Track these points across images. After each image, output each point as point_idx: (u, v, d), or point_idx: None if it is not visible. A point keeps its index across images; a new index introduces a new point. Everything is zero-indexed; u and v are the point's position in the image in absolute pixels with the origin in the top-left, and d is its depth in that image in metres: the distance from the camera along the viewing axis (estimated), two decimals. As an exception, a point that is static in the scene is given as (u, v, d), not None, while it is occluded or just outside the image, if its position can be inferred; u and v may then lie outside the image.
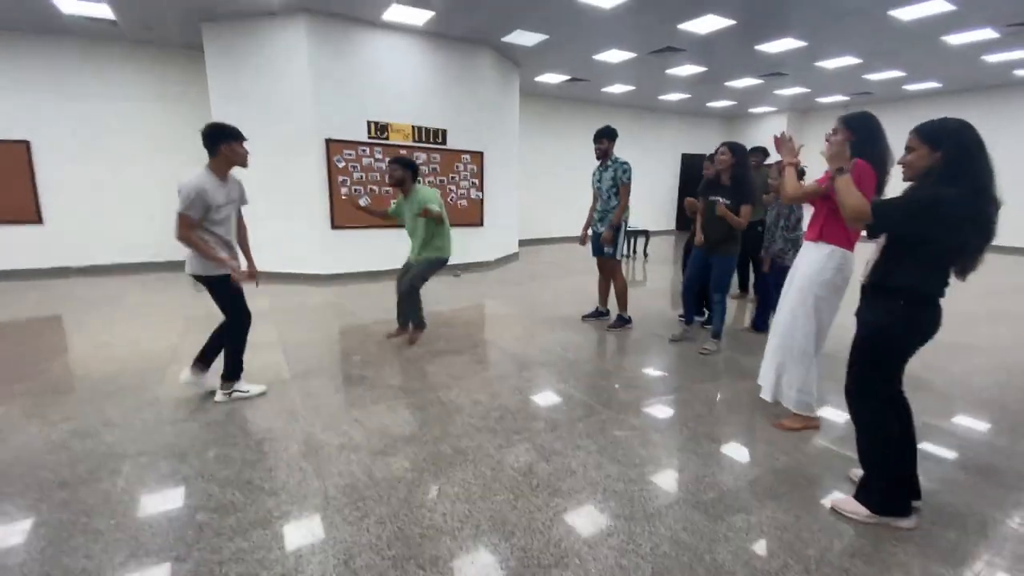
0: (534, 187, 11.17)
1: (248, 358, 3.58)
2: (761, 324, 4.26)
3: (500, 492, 2.05)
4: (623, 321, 4.42)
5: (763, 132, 13.43)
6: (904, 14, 5.98)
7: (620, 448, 2.41)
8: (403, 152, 6.94)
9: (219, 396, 2.94)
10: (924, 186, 1.68)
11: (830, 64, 8.32)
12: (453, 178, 7.47)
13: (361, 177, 6.71)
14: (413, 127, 6.99)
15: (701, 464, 2.29)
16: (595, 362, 3.71)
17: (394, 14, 6.10)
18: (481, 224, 7.84)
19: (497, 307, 5.32)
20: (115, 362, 3.53)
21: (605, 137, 4.21)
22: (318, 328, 4.51)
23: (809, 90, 10.43)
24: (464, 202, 7.63)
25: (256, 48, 6.30)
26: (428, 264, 3.95)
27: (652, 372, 3.49)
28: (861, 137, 2.30)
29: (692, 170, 13.82)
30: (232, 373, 2.97)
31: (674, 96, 11.26)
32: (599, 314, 4.71)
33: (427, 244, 3.94)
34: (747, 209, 3.54)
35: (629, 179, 4.15)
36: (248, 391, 3.00)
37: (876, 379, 1.83)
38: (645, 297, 5.63)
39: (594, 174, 4.37)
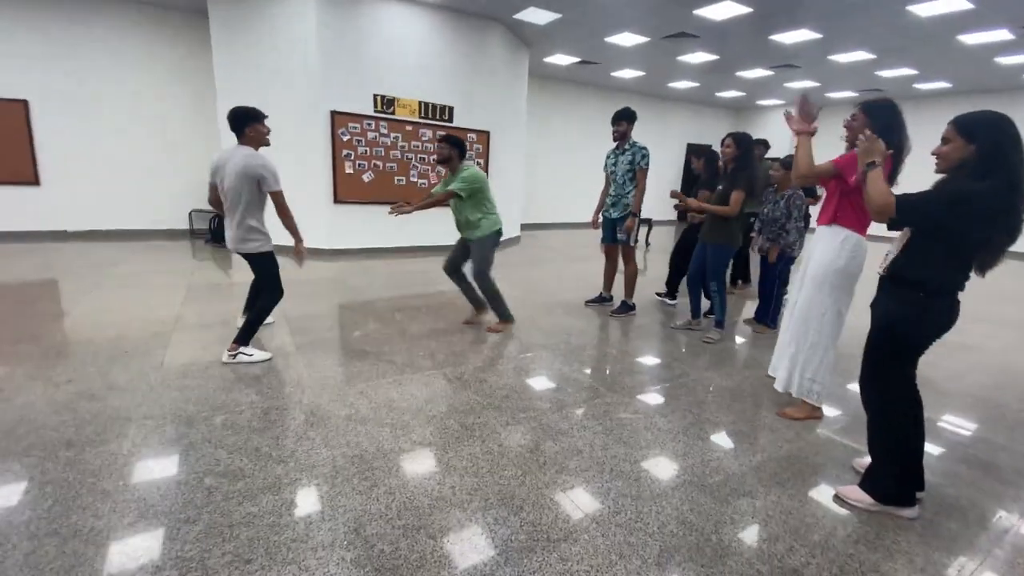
0: (537, 171, 11.08)
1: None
2: (763, 315, 4.27)
3: (508, 468, 2.06)
4: (627, 308, 4.42)
5: (770, 125, 13.34)
6: (922, 10, 5.90)
7: (625, 430, 2.43)
8: (408, 128, 6.85)
9: (225, 357, 3.00)
10: (956, 178, 1.67)
11: (843, 58, 8.23)
12: (458, 157, 7.37)
13: (366, 152, 6.62)
14: (420, 103, 6.88)
15: (706, 448, 2.31)
16: (599, 347, 3.72)
17: (405, -15, 5.96)
18: (485, 205, 7.77)
19: (503, 289, 5.29)
20: (118, 327, 3.50)
21: (624, 119, 4.13)
22: (321, 302, 4.48)
23: (819, 84, 10.33)
24: (469, 182, 7.54)
25: (263, 16, 6.15)
26: (478, 249, 3.70)
27: (656, 359, 3.50)
28: (880, 124, 2.26)
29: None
30: (244, 337, 3.03)
31: (683, 84, 11.14)
32: (603, 300, 4.70)
33: (464, 225, 3.74)
34: (737, 195, 3.52)
35: (647, 164, 4.10)
36: (252, 355, 3.04)
37: (891, 370, 1.84)
38: (648, 286, 5.62)
39: (608, 157, 4.31)
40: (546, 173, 11.34)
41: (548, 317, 4.33)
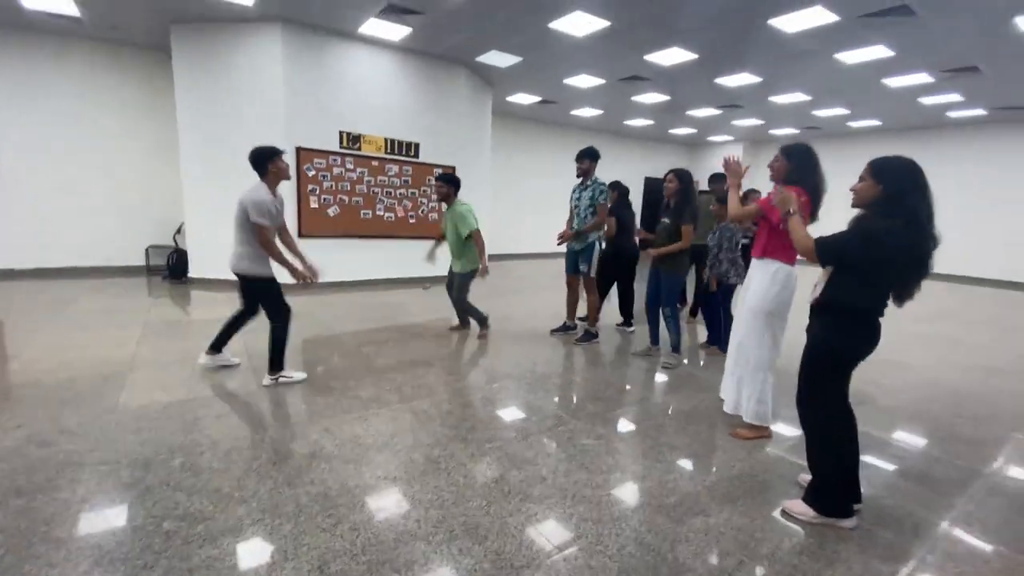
0: (502, 203, 11.35)
1: (213, 368, 3.53)
2: (714, 339, 4.47)
3: (473, 499, 2.10)
4: (590, 336, 4.56)
5: (721, 159, 14.12)
6: (848, 58, 6.52)
7: (588, 456, 2.51)
8: (374, 163, 6.97)
9: (266, 380, 3.26)
10: (866, 216, 1.89)
11: (782, 99, 8.92)
12: (424, 191, 7.53)
13: (331, 186, 6.68)
14: (386, 139, 7.04)
15: (663, 470, 2.41)
16: (563, 375, 3.82)
17: (371, 28, 6.19)
18: (451, 238, 7.90)
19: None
20: (70, 368, 3.38)
21: (587, 157, 4.38)
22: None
23: (763, 122, 11.11)
24: (436, 215, 7.68)
25: (227, 53, 6.23)
26: (462, 278, 4.50)
27: (618, 385, 3.63)
28: (798, 165, 2.56)
29: (654, 193, 14.37)
30: (279, 363, 3.27)
31: (639, 122, 11.75)
32: (566, 328, 4.84)
33: (459, 256, 4.48)
34: (687, 228, 3.78)
35: (606, 199, 4.34)
36: (292, 376, 3.32)
37: (824, 389, 2.01)
38: (608, 313, 5.81)
39: (573, 192, 4.53)
40: (510, 205, 11.62)
41: (515, 346, 4.42)
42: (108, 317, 4.83)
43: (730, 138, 13.66)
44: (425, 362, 3.92)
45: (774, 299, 2.62)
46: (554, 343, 4.60)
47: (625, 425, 2.92)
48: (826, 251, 1.91)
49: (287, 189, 6.35)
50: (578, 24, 5.74)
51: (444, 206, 4.60)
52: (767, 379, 2.72)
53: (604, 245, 4.66)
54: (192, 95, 6.40)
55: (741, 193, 2.90)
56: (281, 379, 3.28)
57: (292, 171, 6.32)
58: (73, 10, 5.82)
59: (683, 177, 3.82)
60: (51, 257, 6.98)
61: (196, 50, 6.30)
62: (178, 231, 7.27)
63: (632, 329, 5.15)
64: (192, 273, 6.77)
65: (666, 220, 3.85)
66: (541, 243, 11.81)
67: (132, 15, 5.99)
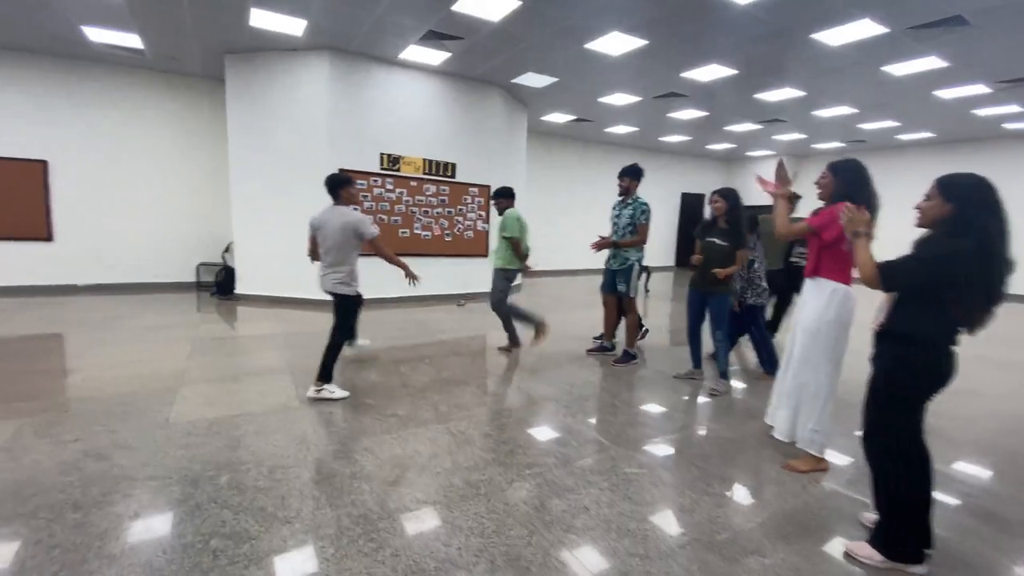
0: (536, 221, 11.34)
1: (256, 383, 3.62)
2: (763, 363, 4.29)
3: (514, 527, 2.05)
4: (629, 357, 4.46)
5: (760, 174, 13.78)
6: (897, 70, 6.28)
7: (631, 486, 2.42)
8: (413, 183, 7.12)
9: (311, 392, 3.41)
10: (932, 237, 1.77)
11: (826, 113, 8.65)
12: (461, 210, 7.63)
13: (371, 206, 6.85)
14: (424, 160, 7.19)
15: (712, 504, 2.30)
16: (602, 397, 3.73)
17: (412, 54, 6.37)
18: (486, 255, 7.95)
19: (502, 338, 5.34)
20: (124, 383, 3.54)
21: (629, 175, 4.34)
22: (325, 355, 4.52)
23: (806, 136, 10.79)
24: (471, 233, 7.77)
25: (277, 81, 6.54)
26: (497, 279, 4.67)
27: (660, 409, 3.51)
28: (847, 181, 2.44)
29: (691, 209, 14.14)
30: (327, 374, 3.43)
31: (675, 138, 11.62)
32: (604, 349, 4.75)
33: (497, 254, 4.68)
34: (743, 253, 3.66)
35: (647, 220, 4.28)
36: (334, 393, 3.43)
37: (892, 425, 1.87)
38: (651, 333, 5.67)
39: (613, 209, 4.49)
40: (544, 223, 11.61)
41: (551, 367, 4.36)
42: (160, 333, 5.05)
43: (770, 152, 13.34)
44: (461, 381, 3.91)
45: (832, 321, 2.48)
46: (591, 364, 4.51)
47: (669, 453, 2.81)
48: (891, 277, 1.79)
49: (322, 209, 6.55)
50: (614, 44, 5.75)
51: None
52: (826, 406, 2.56)
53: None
54: (242, 120, 6.73)
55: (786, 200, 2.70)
56: (324, 393, 3.40)
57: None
58: (137, 43, 6.25)
59: (730, 196, 3.71)
60: (109, 274, 7.40)
61: (247, 78, 6.64)
62: (227, 249, 7.59)
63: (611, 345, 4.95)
64: (239, 290, 7.03)
65: (716, 240, 3.73)
66: (575, 260, 11.76)
67: (190, 47, 6.37)
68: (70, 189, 7.06)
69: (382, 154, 6.86)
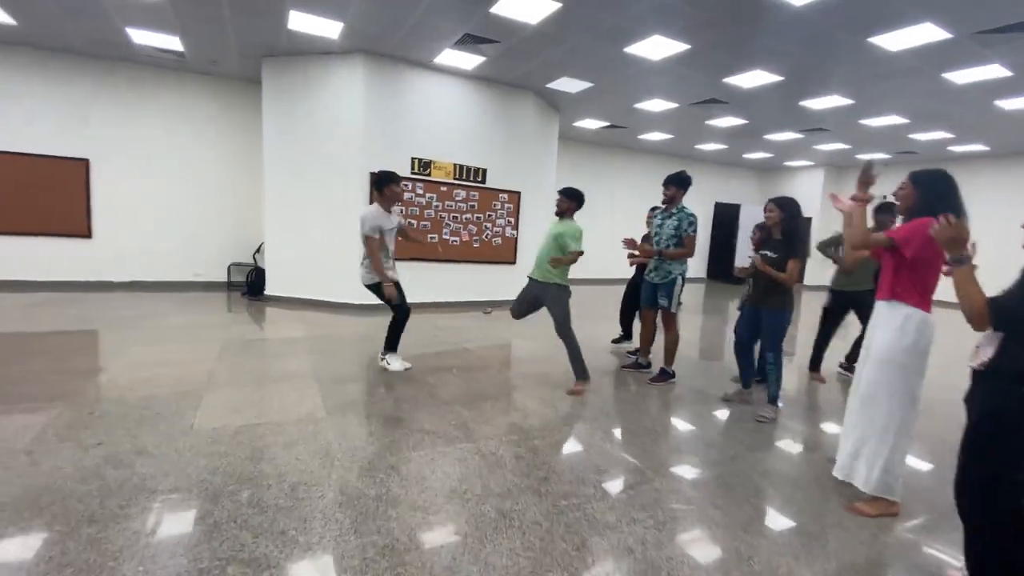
0: (566, 228, 11.16)
1: (283, 389, 3.53)
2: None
3: (553, 569, 1.86)
4: (667, 375, 4.22)
5: (797, 185, 13.31)
6: (958, 77, 5.90)
7: (679, 524, 2.21)
8: (443, 188, 7.03)
9: (379, 358, 4.15)
10: None
11: (875, 122, 8.25)
12: (490, 215, 7.50)
13: (401, 211, 6.78)
14: (455, 165, 7.10)
15: (772, 550, 2.07)
16: (640, 420, 3.51)
17: (446, 58, 6.30)
18: (514, 262, 7.80)
19: (531, 349, 5.18)
20: (151, 385, 3.49)
21: (674, 184, 4.08)
22: (351, 362, 4.43)
23: (849, 146, 10.35)
24: (499, 240, 7.63)
25: (312, 84, 6.55)
26: (559, 298, 3.83)
27: (704, 435, 3.28)
28: (933, 193, 2.18)
29: (725, 218, 13.72)
30: (389, 346, 4.10)
31: (711, 146, 11.30)
32: (639, 366, 4.52)
33: (553, 265, 3.80)
34: (794, 264, 3.37)
35: (695, 231, 4.04)
36: (390, 364, 4.07)
37: (993, 476, 1.62)
38: (682, 347, 5.43)
39: (654, 218, 4.26)
40: (574, 230, 11.40)
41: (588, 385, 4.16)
42: (190, 332, 5.04)
43: (809, 163, 12.86)
44: (490, 395, 3.74)
45: (907, 350, 2.23)
46: (626, 381, 4.29)
47: (719, 487, 2.58)
48: (1008, 317, 1.54)
49: (352, 212, 6.50)
50: (655, 49, 5.55)
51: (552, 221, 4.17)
52: (898, 444, 2.30)
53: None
54: (277, 123, 6.76)
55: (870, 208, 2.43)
56: (383, 363, 4.11)
57: (365, 195, 6.52)
58: (178, 45, 6.34)
59: (788, 207, 3.44)
60: (144, 271, 7.52)
61: (283, 81, 6.67)
62: (258, 250, 7.63)
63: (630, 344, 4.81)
64: (268, 291, 7.04)
65: (769, 253, 3.48)
66: (607, 268, 11.49)
67: (229, 50, 6.43)
68: (109, 187, 7.21)
69: (413, 158, 6.80)
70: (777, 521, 2.29)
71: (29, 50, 6.61)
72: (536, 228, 8.26)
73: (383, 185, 3.90)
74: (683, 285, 4.16)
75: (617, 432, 3.21)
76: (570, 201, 3.95)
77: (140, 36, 6.08)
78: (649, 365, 4.50)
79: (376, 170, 6.39)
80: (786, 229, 3.45)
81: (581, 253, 3.76)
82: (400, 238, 4.22)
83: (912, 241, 2.16)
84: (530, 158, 7.85)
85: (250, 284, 7.28)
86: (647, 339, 4.48)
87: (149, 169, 7.38)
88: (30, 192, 6.85)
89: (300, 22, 5.45)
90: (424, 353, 4.78)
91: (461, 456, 2.73)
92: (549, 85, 7.19)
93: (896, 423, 2.30)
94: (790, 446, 3.17)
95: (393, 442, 2.86)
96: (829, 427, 3.52)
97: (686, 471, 2.73)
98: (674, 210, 4.11)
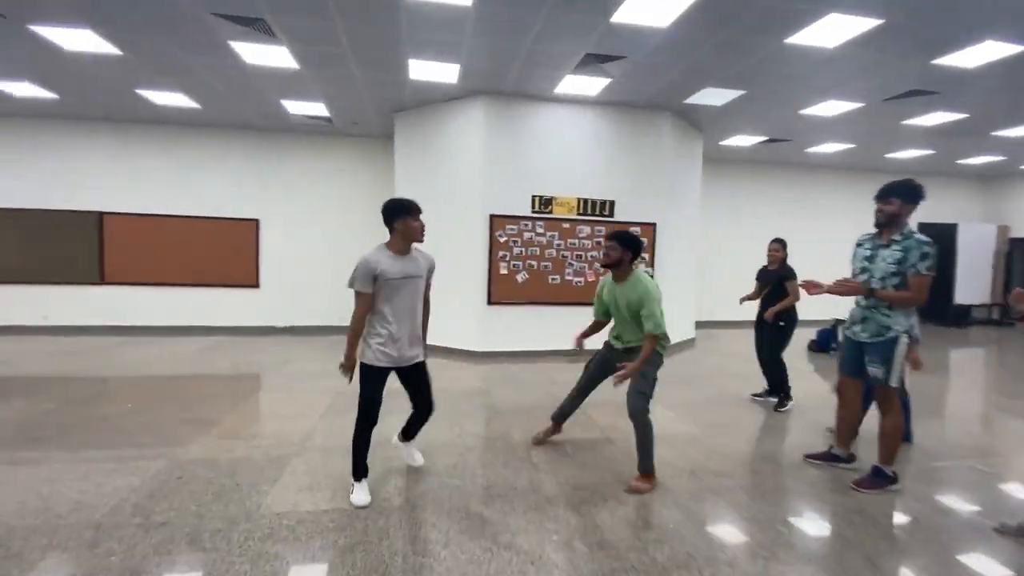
0: (712, 265, 9.67)
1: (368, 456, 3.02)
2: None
3: None
4: (884, 479, 2.82)
5: None
6: None
7: None
8: (565, 226, 6.41)
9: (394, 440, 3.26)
10: None
11: None
12: (621, 253, 6.63)
13: (521, 252, 6.31)
14: (578, 199, 6.46)
15: None
16: (846, 553, 2.28)
17: (568, 86, 5.80)
18: (650, 306, 6.75)
19: (668, 423, 4.06)
20: (248, 444, 3.35)
21: (899, 195, 2.84)
22: (453, 425, 3.88)
23: None
24: (632, 280, 6.68)
25: (437, 131, 6.59)
26: (645, 370, 2.87)
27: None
28: None
29: (937, 243, 10.72)
30: (353, 470, 2.76)
31: (909, 153, 8.96)
32: (835, 459, 3.15)
33: (633, 332, 3.01)
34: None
35: (931, 268, 2.73)
36: (351, 495, 2.66)
37: None
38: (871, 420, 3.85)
39: (861, 248, 2.99)
40: (724, 264, 9.83)
41: (748, 483, 2.98)
42: (314, 382, 5.04)
43: (1067, 164, 9.51)
44: (608, 494, 2.79)
45: None
46: (814, 480, 3.00)
47: None
48: None
49: (478, 257, 6.21)
50: (832, 32, 4.31)
51: (608, 276, 3.11)
52: None
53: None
54: (408, 172, 6.95)
55: None
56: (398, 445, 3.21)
57: (486, 238, 6.19)
58: (324, 111, 6.90)
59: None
60: (301, 317, 8.23)
61: (412, 132, 6.85)
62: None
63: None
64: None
65: None
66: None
67: (366, 110, 6.82)
68: (273, 243, 8.10)
69: (534, 196, 6.33)
70: None
71: (211, 130, 7.84)
72: (677, 264, 7.15)
73: (394, 218, 2.72)
74: (909, 347, 2.77)
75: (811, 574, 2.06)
76: (624, 250, 2.93)
77: (293, 106, 6.73)
78: (850, 460, 3.12)
79: (492, 212, 6.14)
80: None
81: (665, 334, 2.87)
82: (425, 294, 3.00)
83: None
84: (667, 186, 6.85)
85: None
86: (850, 422, 3.13)
87: (304, 224, 8.18)
88: (212, 249, 7.96)
89: (419, 70, 5.44)
90: (535, 420, 3.99)
91: (559, 601, 1.90)
92: (688, 100, 6.23)
93: None
94: None
95: (471, 560, 2.14)
96: None
97: None
98: (896, 236, 2.83)
